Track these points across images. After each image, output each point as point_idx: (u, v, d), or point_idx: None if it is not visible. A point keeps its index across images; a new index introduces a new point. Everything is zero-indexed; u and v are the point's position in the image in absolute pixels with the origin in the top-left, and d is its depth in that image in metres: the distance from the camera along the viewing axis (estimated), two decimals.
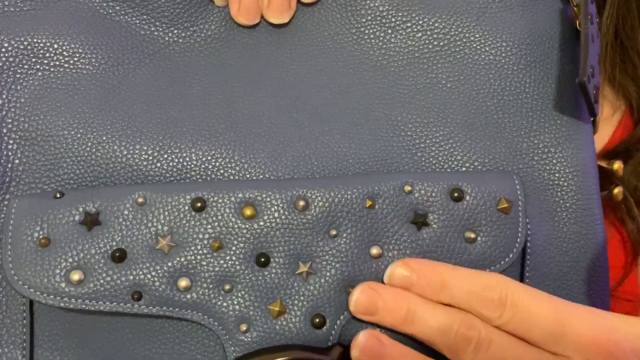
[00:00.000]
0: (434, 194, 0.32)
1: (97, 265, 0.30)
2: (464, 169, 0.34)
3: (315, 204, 0.32)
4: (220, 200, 0.31)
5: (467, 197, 0.33)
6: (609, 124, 0.42)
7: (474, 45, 0.36)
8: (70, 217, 0.31)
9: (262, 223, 0.31)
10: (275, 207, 0.32)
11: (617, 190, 0.38)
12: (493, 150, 0.35)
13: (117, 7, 0.35)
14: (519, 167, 0.35)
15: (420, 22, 0.36)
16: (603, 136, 0.42)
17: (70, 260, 0.30)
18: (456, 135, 0.35)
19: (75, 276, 0.30)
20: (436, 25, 0.36)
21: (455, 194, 0.32)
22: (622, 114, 0.43)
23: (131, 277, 0.30)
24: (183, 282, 0.31)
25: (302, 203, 0.32)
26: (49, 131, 0.33)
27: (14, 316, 0.32)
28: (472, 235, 0.32)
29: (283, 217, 0.32)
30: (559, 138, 0.35)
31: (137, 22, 0.35)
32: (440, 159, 0.34)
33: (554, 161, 0.35)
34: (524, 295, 0.30)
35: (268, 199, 0.32)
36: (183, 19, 0.35)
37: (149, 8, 0.35)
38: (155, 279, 0.30)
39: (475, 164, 0.35)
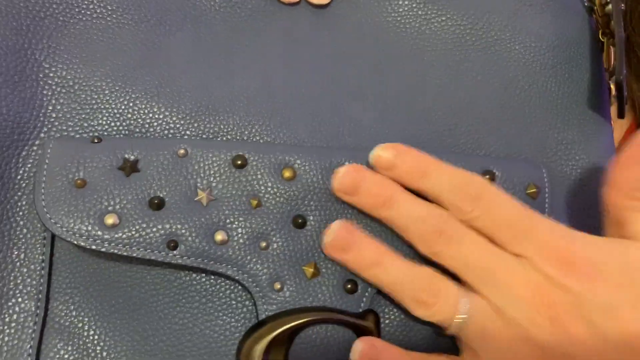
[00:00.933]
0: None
1: (134, 211, 0.30)
2: (492, 156, 0.35)
3: None
4: (260, 160, 0.31)
5: (497, 180, 0.33)
6: (619, 126, 0.44)
7: (504, 43, 0.38)
8: (108, 162, 0.30)
9: (299, 186, 0.31)
10: (314, 172, 0.32)
11: None
12: (520, 142, 0.36)
13: None
14: (543, 161, 0.36)
15: (454, 17, 0.38)
16: (615, 138, 0.44)
17: (106, 204, 0.30)
18: (485, 126, 0.36)
19: (110, 220, 0.29)
20: (469, 21, 0.38)
21: (487, 176, 0.33)
22: (632, 115, 0.45)
23: (167, 226, 0.30)
24: (219, 236, 0.30)
25: None
26: (87, 80, 0.33)
27: (31, 266, 0.30)
28: None
29: (321, 182, 0.32)
30: (581, 136, 0.37)
31: None
32: (469, 145, 0.35)
33: (577, 157, 0.37)
34: (498, 198, 0.31)
35: (307, 163, 0.32)
36: None
37: None
38: (193, 229, 0.30)
39: (502, 154, 0.36)
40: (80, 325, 0.31)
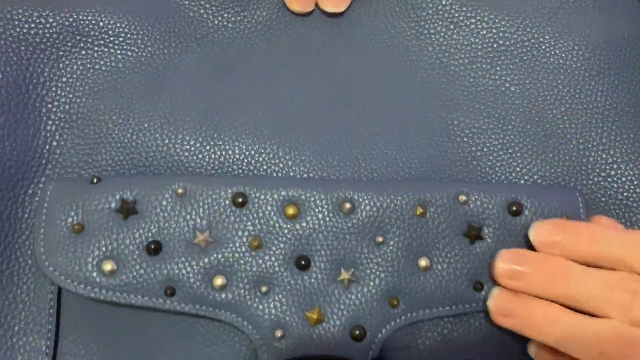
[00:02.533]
0: (490, 206, 0.30)
1: (131, 257, 0.29)
2: (522, 181, 0.32)
3: (362, 207, 0.30)
4: (262, 197, 0.30)
5: (526, 212, 0.30)
6: None
7: (543, 47, 0.34)
8: (106, 203, 0.30)
9: (304, 224, 0.30)
10: (320, 208, 0.30)
11: None
12: (556, 164, 0.32)
13: None
14: (582, 183, 0.32)
15: (486, 19, 0.34)
16: None
17: (104, 249, 0.29)
18: (516, 145, 0.32)
19: (108, 266, 0.29)
20: (502, 23, 0.34)
21: (514, 208, 0.30)
22: None
23: (165, 272, 0.29)
24: (219, 280, 0.29)
25: (348, 205, 0.30)
26: (89, 115, 0.32)
27: (40, 304, 0.30)
28: None
29: (327, 219, 0.30)
30: (631, 154, 0.33)
31: (187, 3, 0.34)
32: (497, 169, 0.32)
33: (623, 179, 0.32)
34: None
35: (312, 199, 0.30)
36: (234, 2, 0.34)
37: None
38: (190, 274, 0.29)
39: (535, 177, 0.32)
40: None
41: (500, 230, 0.30)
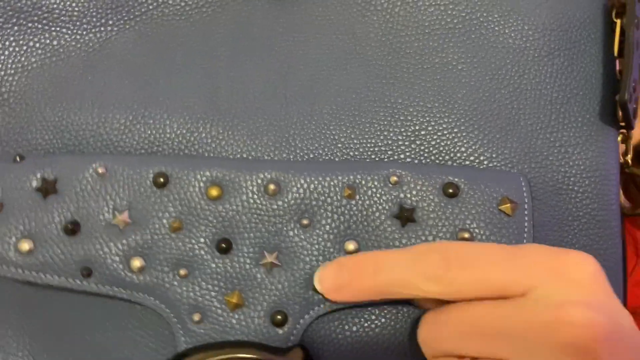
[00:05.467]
0: (424, 188, 0.29)
1: (49, 236, 0.28)
2: (467, 162, 0.30)
3: (289, 189, 0.29)
4: (184, 178, 0.29)
5: (463, 194, 0.29)
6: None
7: (492, 25, 0.32)
8: (26, 182, 0.29)
9: (227, 205, 0.29)
10: (244, 189, 0.29)
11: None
12: (502, 145, 0.31)
13: None
14: (530, 166, 0.31)
15: None
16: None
17: (22, 228, 0.29)
18: (462, 125, 0.31)
19: (25, 246, 0.28)
20: (450, 0, 0.32)
21: (450, 190, 0.29)
22: None
23: (82, 252, 0.28)
24: (136, 262, 0.28)
25: (272, 187, 0.29)
26: (22, 93, 0.31)
27: None
28: (467, 235, 0.28)
29: (251, 200, 0.29)
30: (579, 137, 0.31)
31: None
32: (441, 149, 0.31)
33: (570, 163, 0.31)
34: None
35: (237, 180, 0.29)
36: None
37: None
38: (107, 256, 0.28)
39: (481, 158, 0.31)
40: (14, 345, 0.30)
41: (435, 213, 0.29)
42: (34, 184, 0.29)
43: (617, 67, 0.31)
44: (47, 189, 0.29)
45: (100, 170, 0.29)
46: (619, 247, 0.31)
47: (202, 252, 0.28)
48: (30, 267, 0.28)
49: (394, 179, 0.29)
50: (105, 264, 0.28)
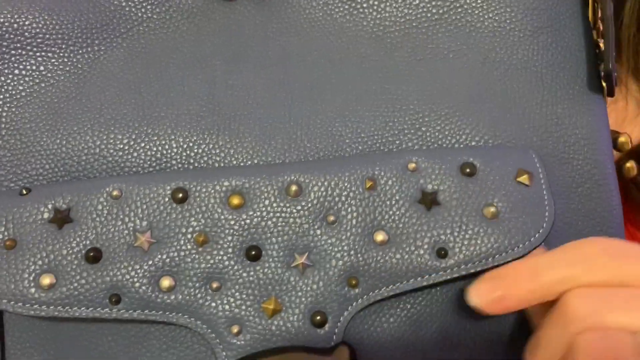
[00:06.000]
0: (442, 171, 0.29)
1: (70, 267, 0.27)
2: (473, 143, 0.31)
3: (310, 188, 0.29)
4: (204, 190, 0.28)
5: (480, 172, 0.30)
6: (637, 124, 0.39)
7: (477, 12, 0.33)
8: (38, 215, 0.28)
9: (251, 213, 0.28)
10: (265, 195, 0.28)
11: (629, 165, 0.36)
12: (503, 122, 0.32)
13: None
14: (532, 140, 0.32)
15: None
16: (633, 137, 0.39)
17: (40, 262, 0.27)
18: (463, 108, 0.32)
19: (46, 280, 0.27)
20: None
21: (467, 170, 0.29)
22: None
23: (107, 279, 0.27)
24: (166, 282, 0.27)
25: (294, 188, 0.28)
26: (14, 124, 0.30)
27: None
28: (493, 210, 0.29)
29: (274, 204, 0.28)
30: (572, 109, 0.32)
31: None
32: (447, 133, 0.31)
33: (569, 133, 0.32)
34: None
35: (257, 186, 0.28)
36: None
37: None
38: (135, 279, 0.27)
39: (486, 137, 0.32)
40: None
41: (457, 193, 0.29)
42: (46, 215, 0.28)
43: (594, 38, 0.33)
44: (62, 218, 0.28)
45: (115, 193, 0.28)
46: (619, 207, 0.33)
47: (232, 263, 0.28)
48: (55, 302, 0.27)
49: (411, 165, 0.29)
50: (133, 288, 0.27)
